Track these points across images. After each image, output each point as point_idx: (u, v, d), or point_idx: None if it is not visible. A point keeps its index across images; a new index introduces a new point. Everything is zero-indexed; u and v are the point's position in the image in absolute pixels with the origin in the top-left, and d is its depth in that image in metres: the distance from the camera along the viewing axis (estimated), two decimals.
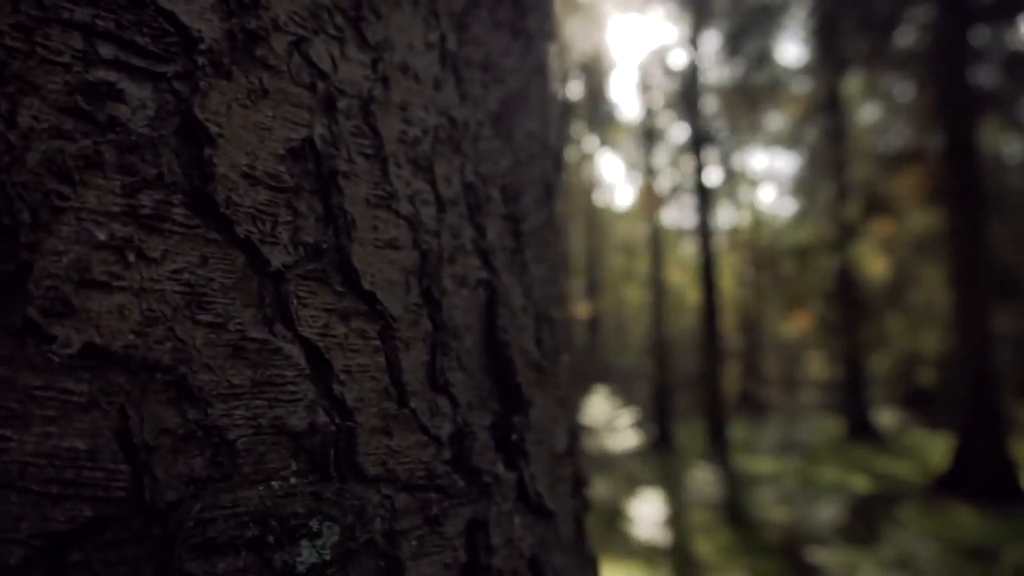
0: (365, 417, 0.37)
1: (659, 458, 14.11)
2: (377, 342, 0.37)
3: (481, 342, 0.45)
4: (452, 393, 0.41)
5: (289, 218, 0.37)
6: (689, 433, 17.02)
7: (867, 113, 19.70)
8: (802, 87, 17.30)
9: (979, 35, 12.69)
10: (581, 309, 24.33)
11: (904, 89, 15.63)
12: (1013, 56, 13.58)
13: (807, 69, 17.33)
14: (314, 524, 0.34)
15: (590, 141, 25.87)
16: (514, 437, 0.44)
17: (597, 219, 27.51)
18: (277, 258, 0.36)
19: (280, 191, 0.37)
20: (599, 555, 0.72)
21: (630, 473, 12.38)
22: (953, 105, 11.00)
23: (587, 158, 26.63)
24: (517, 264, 0.52)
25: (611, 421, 10.46)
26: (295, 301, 0.36)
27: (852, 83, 17.75)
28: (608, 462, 10.94)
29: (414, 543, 0.37)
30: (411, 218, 0.39)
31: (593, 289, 24.63)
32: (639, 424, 16.40)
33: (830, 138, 17.17)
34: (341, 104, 0.39)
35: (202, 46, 0.36)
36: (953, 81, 11.01)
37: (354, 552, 0.35)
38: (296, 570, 0.33)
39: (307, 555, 0.34)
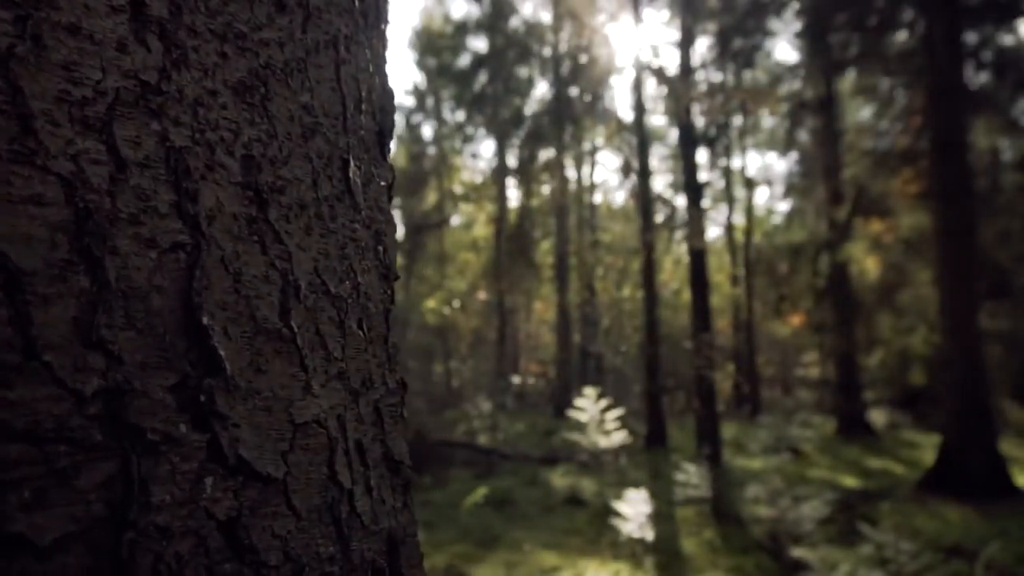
0: None
1: (651, 456, 14.13)
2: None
3: (179, 304, 0.45)
4: (111, 350, 0.41)
5: None
6: (682, 432, 17.04)
7: (859, 112, 19.73)
8: (793, 87, 17.31)
9: (970, 34, 12.71)
10: (575, 308, 24.33)
11: (896, 88, 15.63)
12: (1003, 55, 13.59)
13: (798, 69, 17.33)
14: None
15: (585, 141, 25.91)
16: (203, 399, 0.45)
17: (592, 218, 27.53)
18: None
19: None
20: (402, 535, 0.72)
21: (620, 471, 12.42)
22: (944, 104, 11.02)
23: (583, 157, 26.67)
24: (256, 232, 0.53)
25: (600, 420, 10.48)
26: None
27: (843, 83, 17.77)
28: (598, 460, 10.96)
29: (27, 494, 0.37)
30: (69, 176, 0.40)
31: (588, 289, 24.65)
32: (632, 423, 16.44)
33: (822, 138, 17.19)
34: None
35: None
36: (944, 80, 11.02)
37: None
38: None
39: None
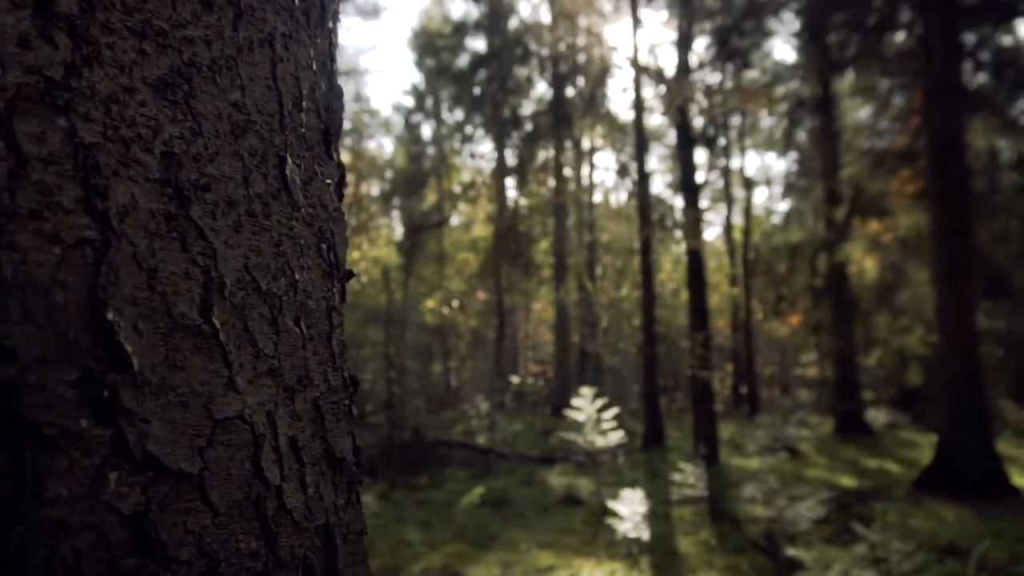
0: None
1: (649, 456, 14.13)
2: None
3: (85, 300, 0.45)
4: (4, 345, 0.42)
5: None
6: (681, 431, 17.04)
7: (858, 112, 19.70)
8: (792, 87, 17.29)
9: (969, 34, 12.69)
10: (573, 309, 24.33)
11: (895, 89, 15.61)
12: (1002, 55, 13.57)
13: (797, 69, 17.32)
14: None
15: (584, 140, 25.90)
16: (106, 394, 0.45)
17: (591, 218, 27.52)
18: None
19: None
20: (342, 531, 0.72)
21: (618, 471, 12.42)
22: (941, 104, 11.01)
23: (582, 157, 26.65)
24: (176, 229, 0.53)
25: (596, 419, 10.48)
26: None
27: (842, 83, 17.76)
28: (595, 460, 10.96)
29: None
30: None
31: (580, 288, 24.64)
32: (630, 423, 16.44)
33: (820, 138, 17.18)
34: None
35: None
36: (941, 80, 11.01)
37: None
38: None
39: None
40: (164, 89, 0.54)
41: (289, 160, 0.68)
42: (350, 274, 0.94)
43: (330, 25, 0.82)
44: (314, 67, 0.76)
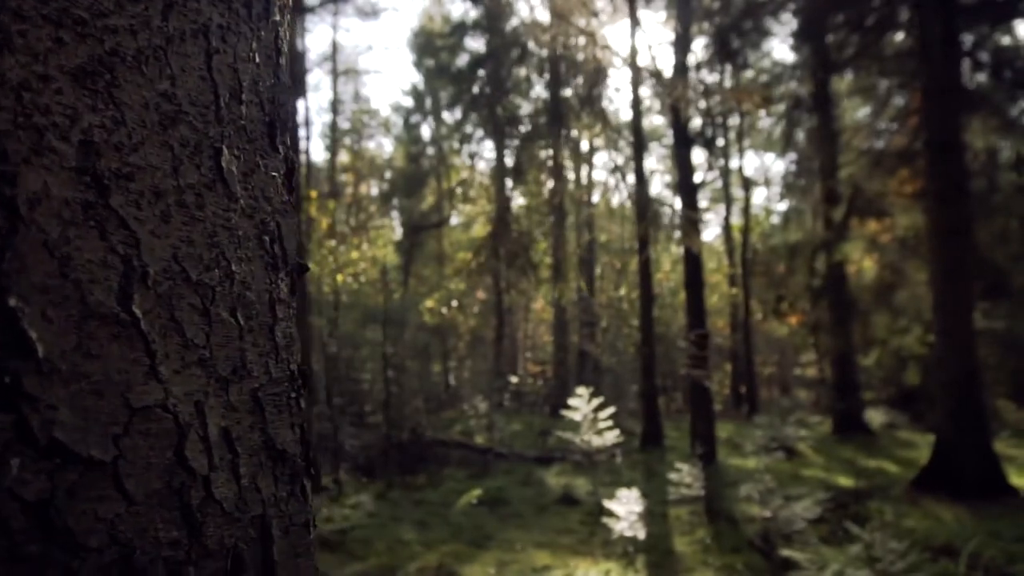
0: None
1: (647, 456, 14.13)
2: None
3: None
4: None
5: None
6: (680, 431, 17.04)
7: (857, 112, 19.70)
8: (790, 87, 17.28)
9: (968, 34, 12.67)
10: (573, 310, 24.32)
11: (894, 89, 15.60)
12: (1001, 54, 13.56)
13: (795, 68, 17.32)
14: None
15: (583, 141, 25.89)
16: (7, 380, 0.45)
17: (590, 218, 27.51)
18: None
19: None
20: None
21: (615, 471, 12.42)
22: (939, 104, 11.00)
23: (581, 157, 26.65)
24: (93, 218, 0.53)
25: (593, 419, 10.48)
26: None
27: (841, 82, 17.75)
28: (591, 460, 10.96)
29: None
30: None
31: (578, 289, 24.63)
32: (629, 422, 16.44)
33: (819, 138, 17.17)
34: None
35: None
36: (939, 80, 11.00)
37: None
38: None
39: None
40: (84, 78, 0.54)
41: (226, 151, 0.68)
42: (302, 268, 0.94)
43: (276, 18, 0.82)
44: (257, 60, 0.76)
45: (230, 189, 0.69)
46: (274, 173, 0.79)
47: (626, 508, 8.24)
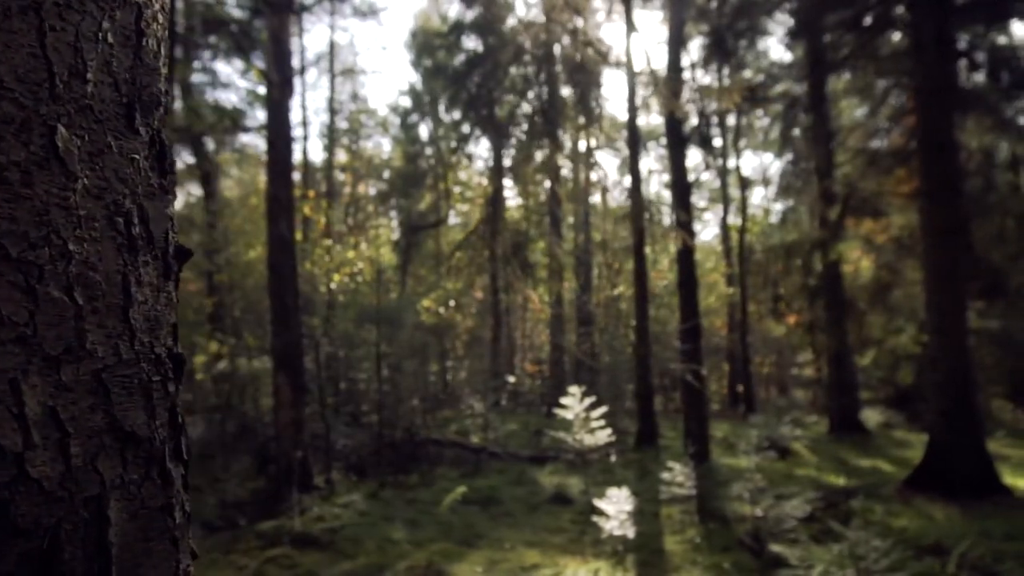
0: None
1: (641, 455, 14.11)
2: None
3: None
4: None
5: None
6: (675, 431, 17.03)
7: (853, 112, 19.67)
8: (787, 87, 17.26)
9: (963, 34, 12.65)
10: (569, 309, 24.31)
11: (890, 88, 15.57)
12: (996, 54, 13.52)
13: (790, 68, 17.30)
14: None
15: (580, 141, 25.87)
16: None
17: (587, 217, 27.49)
18: None
19: None
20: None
21: (609, 470, 12.41)
22: (933, 104, 10.98)
23: (578, 157, 26.62)
24: None
25: (585, 418, 10.47)
26: None
27: (837, 82, 17.72)
28: (584, 459, 10.95)
29: None
30: None
31: (585, 288, 24.63)
32: (625, 422, 16.42)
33: (814, 137, 17.14)
34: None
35: None
36: (933, 80, 10.98)
37: None
38: None
39: None
40: None
41: (62, 130, 0.68)
42: (184, 253, 0.93)
43: (137, 1, 0.81)
44: (110, 40, 0.75)
45: (67, 168, 0.68)
46: (134, 155, 0.79)
47: (616, 507, 8.24)
